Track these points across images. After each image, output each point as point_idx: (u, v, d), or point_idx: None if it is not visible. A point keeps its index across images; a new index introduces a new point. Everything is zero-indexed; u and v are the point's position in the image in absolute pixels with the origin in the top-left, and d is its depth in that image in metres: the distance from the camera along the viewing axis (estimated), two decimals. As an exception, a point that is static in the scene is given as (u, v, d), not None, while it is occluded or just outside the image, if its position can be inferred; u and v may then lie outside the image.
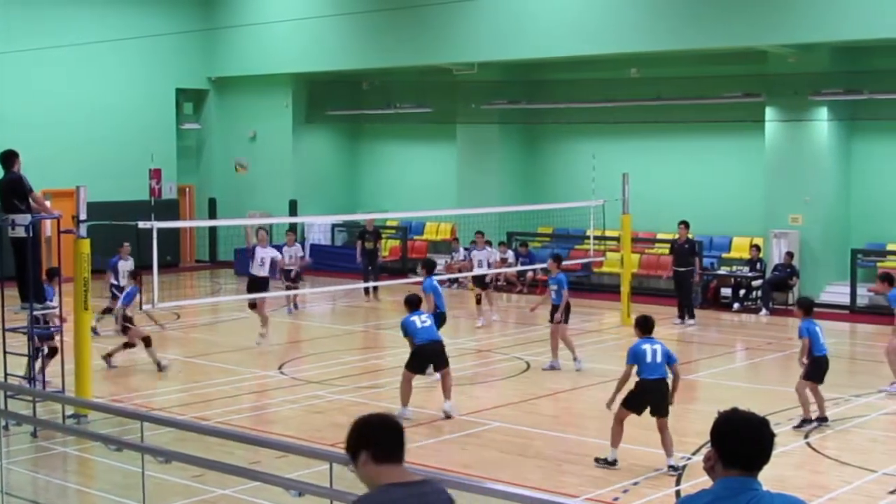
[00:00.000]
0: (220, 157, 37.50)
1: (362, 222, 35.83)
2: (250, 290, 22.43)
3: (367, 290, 27.73)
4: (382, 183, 36.41)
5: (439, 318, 17.20)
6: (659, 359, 13.06)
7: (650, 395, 13.02)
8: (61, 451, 14.19)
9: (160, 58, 35.15)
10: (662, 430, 13.03)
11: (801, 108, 26.66)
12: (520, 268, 28.82)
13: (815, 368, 14.99)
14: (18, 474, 12.73)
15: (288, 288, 25.09)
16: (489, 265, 25.42)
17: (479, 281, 24.55)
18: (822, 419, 14.96)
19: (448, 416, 15.60)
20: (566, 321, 19.16)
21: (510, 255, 30.21)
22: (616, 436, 13.09)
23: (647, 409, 13.06)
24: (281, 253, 24.32)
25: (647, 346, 13.11)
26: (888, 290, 17.25)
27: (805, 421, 14.79)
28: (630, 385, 13.14)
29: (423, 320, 15.73)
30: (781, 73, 26.84)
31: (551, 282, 19.40)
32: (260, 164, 36.39)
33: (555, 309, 19.03)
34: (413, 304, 15.96)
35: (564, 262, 27.84)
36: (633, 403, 13.09)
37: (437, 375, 16.06)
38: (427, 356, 15.73)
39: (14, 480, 12.18)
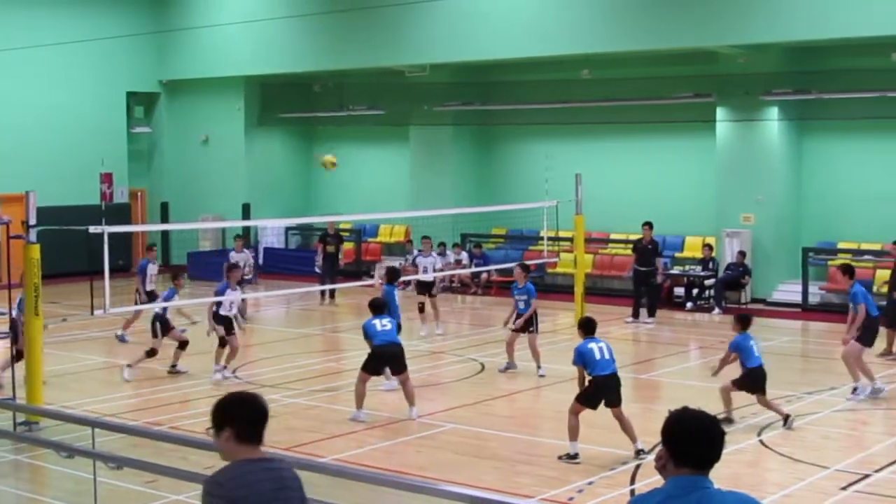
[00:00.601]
0: (172, 161, 37.23)
1: (316, 225, 35.84)
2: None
3: (323, 293, 27.62)
4: (336, 185, 36.29)
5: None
6: (607, 355, 13.33)
7: (604, 391, 13.28)
8: (12, 458, 14.03)
9: (111, 61, 34.87)
10: (620, 418, 13.33)
11: (751, 108, 26.87)
12: (474, 269, 28.83)
13: (751, 380, 14.92)
14: (-32, 483, 12.59)
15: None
16: (435, 272, 24.76)
17: (424, 288, 23.52)
18: (786, 417, 14.92)
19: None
20: (536, 330, 19.04)
21: (464, 256, 30.25)
22: (574, 430, 13.24)
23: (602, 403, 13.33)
24: (229, 259, 24.17)
25: (592, 345, 13.34)
26: (849, 282, 16.91)
27: (727, 420, 14.74)
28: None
29: (383, 324, 15.74)
30: (732, 74, 27.04)
31: (518, 293, 19.09)
32: (212, 168, 36.17)
33: (518, 316, 18.93)
34: (377, 308, 15.99)
35: (515, 264, 28.02)
36: (588, 399, 13.33)
37: (394, 383, 16.06)
38: (384, 358, 15.68)
39: (-36, 489, 12.04)
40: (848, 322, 16.97)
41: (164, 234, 35.36)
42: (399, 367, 15.74)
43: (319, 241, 28.96)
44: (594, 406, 13.35)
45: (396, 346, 15.76)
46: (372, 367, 15.71)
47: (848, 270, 17.11)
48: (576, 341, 13.83)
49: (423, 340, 22.37)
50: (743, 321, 15.26)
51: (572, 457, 13.21)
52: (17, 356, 16.32)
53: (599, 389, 13.27)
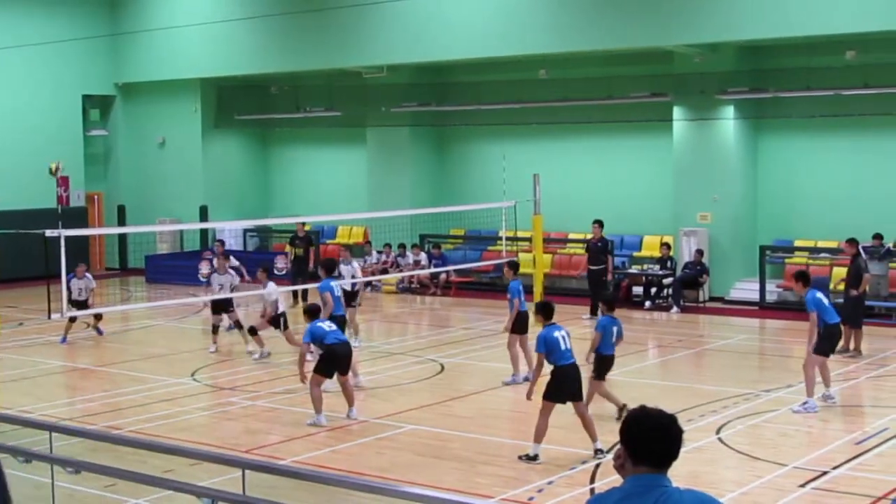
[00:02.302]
0: (129, 164, 37.00)
1: (274, 227, 35.73)
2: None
3: (295, 294, 27.10)
4: (293, 187, 36.25)
5: (338, 322, 17.05)
6: (569, 344, 13.27)
7: (567, 381, 13.16)
8: (-32, 464, 13.89)
9: (66, 63, 34.63)
10: (583, 415, 13.24)
11: (707, 108, 27.04)
12: (432, 270, 28.83)
13: (600, 366, 15.02)
14: (-77, 490, 12.45)
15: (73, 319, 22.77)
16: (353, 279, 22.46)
17: (348, 298, 20.88)
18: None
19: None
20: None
21: (423, 257, 30.27)
22: (541, 431, 13.17)
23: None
24: (70, 287, 22.25)
25: (557, 334, 13.22)
26: (803, 290, 16.12)
27: (622, 410, 14.70)
28: (546, 377, 13.23)
29: (329, 325, 15.75)
30: (688, 73, 27.19)
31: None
32: (169, 170, 35.98)
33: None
34: (314, 313, 16.04)
35: (476, 265, 28.06)
36: (553, 393, 13.18)
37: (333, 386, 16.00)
38: (338, 357, 15.48)
39: (-81, 496, 11.91)
40: (808, 331, 16.12)
41: (122, 237, 35.12)
42: (346, 368, 15.72)
43: (288, 244, 28.74)
44: (562, 400, 13.21)
45: (348, 346, 15.80)
46: (325, 368, 15.48)
47: (802, 277, 16.34)
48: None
49: (384, 341, 22.31)
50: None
51: (532, 458, 13.17)
52: None
53: (563, 380, 13.13)
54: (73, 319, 21.93)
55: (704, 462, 13.20)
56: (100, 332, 23.24)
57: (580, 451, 13.32)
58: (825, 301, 16.12)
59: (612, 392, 15.19)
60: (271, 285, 20.54)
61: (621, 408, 14.77)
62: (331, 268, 18.75)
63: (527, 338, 17.78)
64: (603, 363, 15.08)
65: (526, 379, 16.91)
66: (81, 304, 22.52)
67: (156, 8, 35.24)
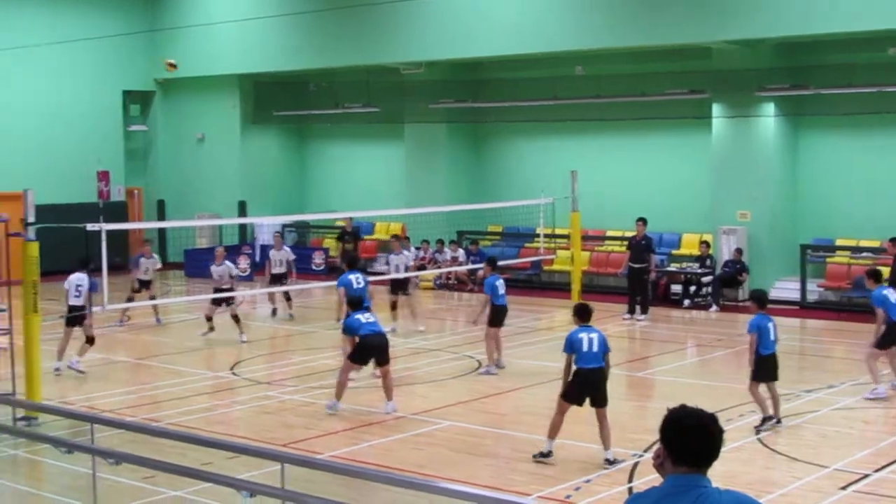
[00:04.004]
0: (168, 160, 37.23)
1: (312, 223, 35.84)
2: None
3: None
4: (331, 183, 36.33)
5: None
6: (596, 347, 13.00)
7: (588, 385, 12.99)
8: (12, 453, 14.05)
9: (107, 60, 34.89)
10: (602, 420, 13.03)
11: (747, 105, 26.84)
12: (470, 266, 28.83)
13: (760, 368, 14.77)
14: (-33, 478, 12.62)
15: (129, 299, 23.82)
16: (406, 270, 23.80)
17: (397, 286, 23.20)
18: (773, 418, 14.80)
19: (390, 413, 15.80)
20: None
21: (461, 253, 30.27)
22: (555, 427, 13.07)
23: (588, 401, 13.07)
24: (138, 265, 24.57)
25: (583, 335, 13.05)
26: (874, 286, 16.85)
27: (766, 419, 14.66)
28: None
29: (366, 317, 15.91)
30: (727, 70, 27.01)
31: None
32: (208, 166, 36.18)
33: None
34: (355, 304, 16.36)
35: (514, 261, 27.99)
36: (572, 394, 13.04)
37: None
38: (372, 348, 15.74)
39: (-37, 485, 12.07)
40: (876, 326, 16.83)
41: (161, 231, 35.36)
42: (384, 358, 15.86)
43: (337, 240, 28.92)
44: (580, 402, 13.06)
45: (383, 337, 15.93)
46: (359, 357, 15.84)
47: (873, 275, 17.19)
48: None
49: (420, 338, 22.35)
50: (758, 298, 15.23)
51: (545, 455, 13.07)
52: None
53: (583, 384, 12.97)
54: (130, 299, 23.46)
55: (743, 463, 13.11)
56: (120, 323, 24.16)
57: (617, 450, 13.25)
58: (891, 298, 16.60)
59: (764, 400, 14.76)
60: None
61: (765, 418, 14.60)
62: (352, 262, 19.07)
63: (495, 332, 18.91)
64: (763, 364, 14.73)
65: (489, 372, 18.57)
66: (146, 284, 24.16)
67: (195, 4, 35.44)
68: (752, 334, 14.71)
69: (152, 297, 24.27)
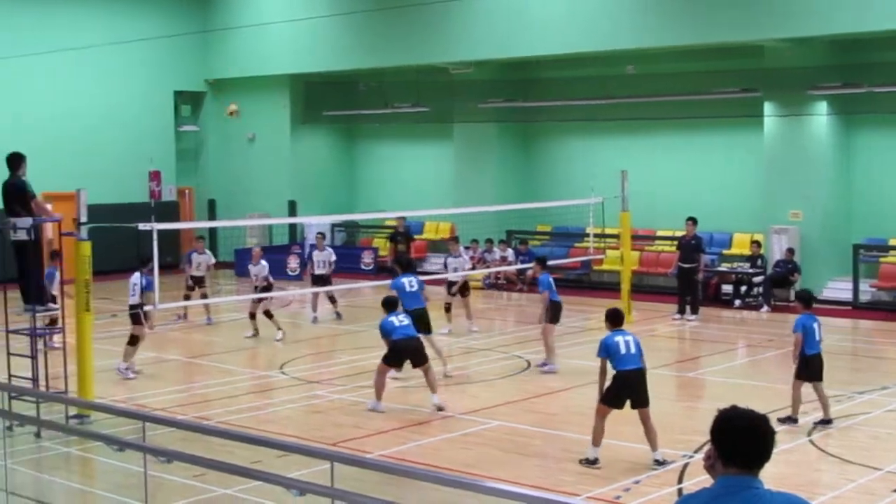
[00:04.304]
0: (218, 159, 37.50)
1: (361, 223, 35.92)
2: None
3: None
4: (379, 183, 36.41)
5: (414, 316, 17.24)
6: (633, 349, 12.95)
7: (627, 387, 12.90)
8: (64, 451, 14.21)
9: (158, 60, 35.20)
10: (645, 421, 12.94)
11: (799, 103, 26.61)
12: (519, 266, 28.80)
13: (805, 367, 14.73)
14: (22, 474, 12.79)
15: (186, 297, 24.40)
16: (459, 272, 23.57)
17: (454, 288, 23.22)
18: (826, 421, 14.77)
19: (440, 409, 15.82)
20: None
21: (510, 253, 30.23)
22: (598, 434, 12.98)
23: (628, 403, 13.01)
24: (190, 261, 24.97)
25: (619, 338, 12.99)
26: None
27: (790, 419, 14.63)
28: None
29: (400, 320, 16.08)
30: (779, 68, 26.79)
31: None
32: (258, 166, 36.39)
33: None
34: (391, 305, 16.45)
35: (563, 261, 27.91)
36: (611, 398, 12.97)
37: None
38: (403, 351, 15.94)
39: (18, 480, 12.22)
40: None
41: (212, 231, 35.61)
42: (419, 359, 16.03)
43: (389, 240, 28.99)
44: (619, 405, 12.99)
45: (415, 340, 16.09)
46: (392, 359, 16.10)
47: None
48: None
49: (470, 337, 22.36)
50: (804, 298, 15.32)
51: (592, 462, 12.96)
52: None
53: (622, 386, 12.88)
54: (186, 297, 24.08)
55: (794, 464, 13.01)
56: (177, 319, 24.80)
57: (667, 451, 13.16)
58: None
59: (801, 399, 14.78)
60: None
61: (790, 418, 14.62)
62: (406, 265, 19.09)
63: (553, 328, 19.16)
64: (808, 364, 14.70)
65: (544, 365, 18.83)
66: (199, 280, 24.48)
67: (245, 5, 35.67)
68: (798, 334, 14.71)
69: (204, 296, 24.48)
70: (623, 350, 12.90)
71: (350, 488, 8.51)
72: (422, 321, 17.64)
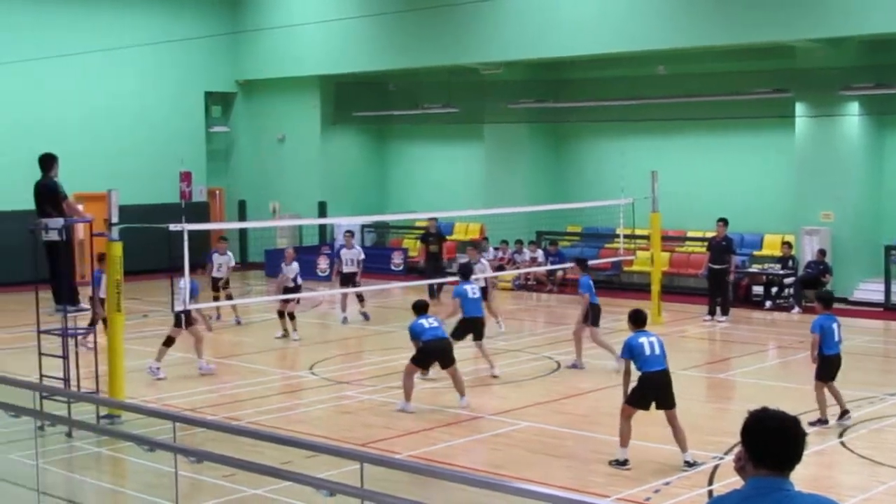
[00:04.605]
0: (249, 160, 37.63)
1: (392, 223, 35.95)
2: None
3: (431, 292, 26.99)
4: (410, 183, 36.45)
5: (467, 323, 17.89)
6: (658, 350, 12.92)
7: (652, 388, 12.89)
8: (95, 451, 14.29)
9: (189, 61, 35.35)
10: (672, 422, 12.91)
11: (830, 104, 26.46)
12: (549, 267, 28.75)
13: (824, 367, 14.70)
14: (53, 474, 12.86)
15: (215, 298, 24.02)
16: (484, 279, 23.28)
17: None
18: (844, 413, 14.76)
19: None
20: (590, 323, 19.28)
21: (539, 254, 30.20)
22: (625, 435, 12.95)
23: (654, 404, 12.98)
24: (211, 260, 24.66)
25: (643, 339, 12.98)
26: None
27: (820, 422, 14.55)
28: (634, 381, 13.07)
29: (430, 322, 16.24)
30: (810, 69, 26.64)
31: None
32: (288, 166, 36.49)
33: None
34: (421, 308, 16.58)
35: (593, 262, 27.85)
36: (637, 399, 12.94)
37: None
38: (433, 352, 16.12)
39: (49, 480, 12.28)
40: None
41: (242, 231, 35.75)
42: (447, 360, 16.14)
43: (420, 241, 29.02)
44: (645, 406, 12.97)
45: (444, 342, 16.22)
46: (420, 360, 16.28)
47: None
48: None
49: (500, 338, 22.31)
50: (824, 299, 15.35)
51: (622, 463, 12.92)
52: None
53: (648, 387, 12.86)
54: (216, 298, 23.91)
55: (825, 466, 12.96)
56: (213, 319, 24.36)
57: (697, 452, 13.12)
58: None
59: (826, 400, 14.71)
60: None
61: (821, 420, 14.57)
62: (467, 272, 19.15)
63: (598, 330, 19.27)
64: (826, 364, 14.69)
65: (574, 366, 19.01)
66: (218, 281, 24.33)
67: (275, 6, 35.76)
68: (815, 334, 14.70)
69: (229, 297, 24.44)
70: (648, 351, 12.89)
71: (380, 489, 8.52)
72: (478, 328, 18.33)
